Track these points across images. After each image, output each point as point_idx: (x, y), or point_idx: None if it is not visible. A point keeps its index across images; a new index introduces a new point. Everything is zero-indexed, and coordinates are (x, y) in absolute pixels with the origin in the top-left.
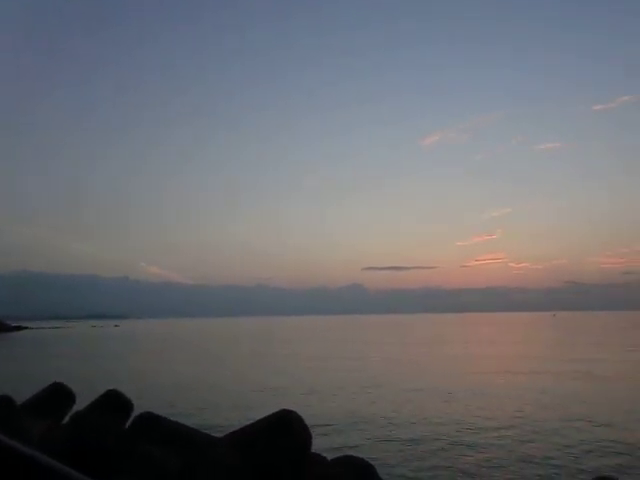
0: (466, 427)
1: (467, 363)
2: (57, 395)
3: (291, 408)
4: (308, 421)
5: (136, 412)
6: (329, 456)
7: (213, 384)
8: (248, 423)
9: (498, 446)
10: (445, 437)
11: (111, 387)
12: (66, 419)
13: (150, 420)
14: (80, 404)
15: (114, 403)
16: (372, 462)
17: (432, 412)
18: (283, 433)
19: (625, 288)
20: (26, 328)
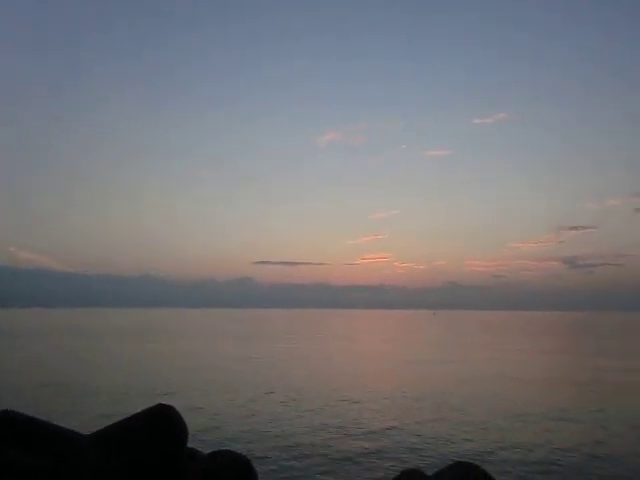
0: (341, 422)
1: (346, 360)
2: None
3: (169, 403)
4: (185, 416)
5: None
6: (205, 451)
7: (84, 380)
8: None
9: (363, 439)
10: (319, 432)
11: None
12: None
13: (8, 418)
14: None
15: None
16: (248, 456)
17: (309, 407)
18: (158, 428)
19: (495, 290)
20: None
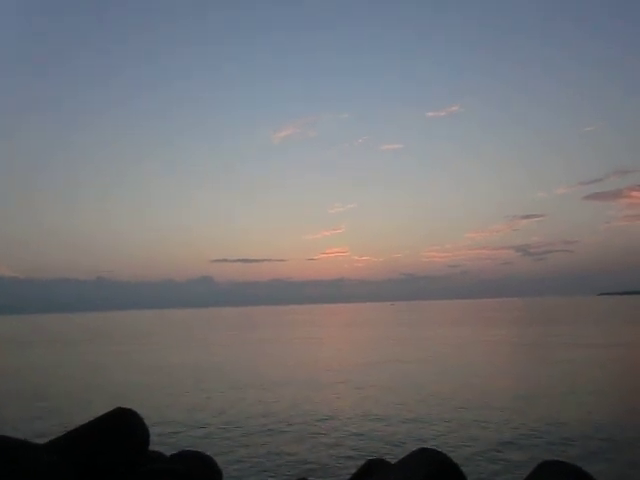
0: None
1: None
2: None
3: (127, 406)
4: (146, 419)
5: None
6: (168, 452)
7: (37, 388)
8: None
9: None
10: (275, 426)
11: None
12: None
13: None
14: None
15: None
16: (212, 455)
17: (268, 409)
18: (119, 431)
19: (452, 279)
20: None
